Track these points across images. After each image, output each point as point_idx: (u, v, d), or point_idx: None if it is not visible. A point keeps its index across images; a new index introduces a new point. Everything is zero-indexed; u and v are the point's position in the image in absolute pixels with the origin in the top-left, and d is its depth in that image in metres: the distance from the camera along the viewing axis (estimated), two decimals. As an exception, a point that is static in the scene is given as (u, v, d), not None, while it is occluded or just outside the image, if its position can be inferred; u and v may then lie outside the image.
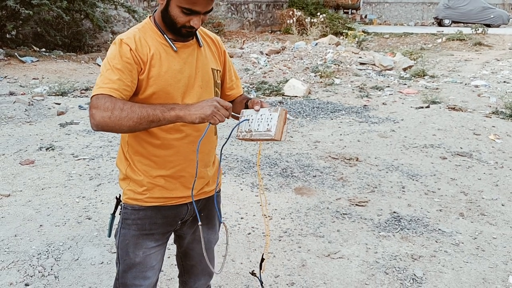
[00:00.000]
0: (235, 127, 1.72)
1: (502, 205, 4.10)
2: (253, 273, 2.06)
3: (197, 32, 1.77)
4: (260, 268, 1.96)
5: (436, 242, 3.50)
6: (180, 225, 1.90)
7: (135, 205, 1.78)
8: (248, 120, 1.70)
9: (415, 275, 3.08)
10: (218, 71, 1.87)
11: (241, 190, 4.36)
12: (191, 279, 2.10)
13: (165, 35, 1.70)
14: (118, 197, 1.87)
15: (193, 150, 1.74)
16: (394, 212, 3.96)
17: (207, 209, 1.96)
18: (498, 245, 3.46)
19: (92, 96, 1.58)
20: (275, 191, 4.35)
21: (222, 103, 1.58)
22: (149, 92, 1.67)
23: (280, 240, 3.51)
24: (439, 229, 3.67)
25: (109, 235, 1.94)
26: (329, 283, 3.01)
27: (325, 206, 4.06)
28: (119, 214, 1.84)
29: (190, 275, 2.10)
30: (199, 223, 1.77)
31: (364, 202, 4.15)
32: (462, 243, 3.49)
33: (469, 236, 3.59)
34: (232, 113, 1.66)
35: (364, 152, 5.42)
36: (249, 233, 3.60)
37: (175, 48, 1.70)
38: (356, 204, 4.11)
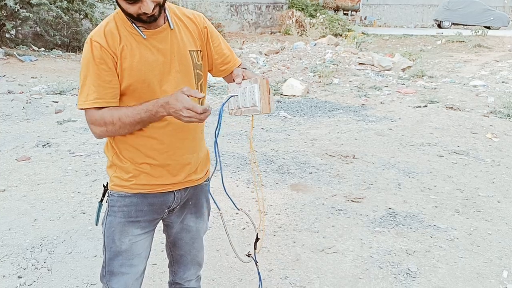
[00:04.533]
0: (222, 106, 1.63)
1: (498, 202, 4.10)
2: (248, 254, 2.05)
3: (168, 14, 1.70)
4: (255, 248, 1.94)
5: (431, 237, 3.49)
6: (167, 213, 1.88)
7: (121, 192, 1.77)
8: (235, 96, 1.65)
9: (409, 269, 3.07)
10: (198, 52, 1.80)
11: (237, 186, 4.36)
12: (181, 269, 2.08)
13: (133, 24, 1.65)
14: (105, 184, 1.86)
15: (178, 138, 1.74)
16: (390, 208, 3.96)
17: (195, 198, 1.94)
18: (493, 241, 3.45)
19: (81, 109, 1.66)
20: (271, 187, 4.35)
21: (186, 105, 1.54)
22: (125, 84, 1.66)
23: (275, 235, 3.51)
24: (434, 225, 3.66)
25: (97, 223, 1.92)
26: (323, 277, 3.01)
27: (320, 202, 4.05)
28: (106, 201, 1.82)
29: (180, 265, 2.08)
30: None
31: (359, 198, 4.15)
32: (457, 238, 3.48)
33: (464, 232, 3.58)
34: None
35: (361, 150, 5.41)
36: (244, 228, 3.59)
37: (144, 36, 1.65)
38: (352, 200, 4.10)
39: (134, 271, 1.84)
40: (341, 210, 3.91)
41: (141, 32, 1.65)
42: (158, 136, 1.72)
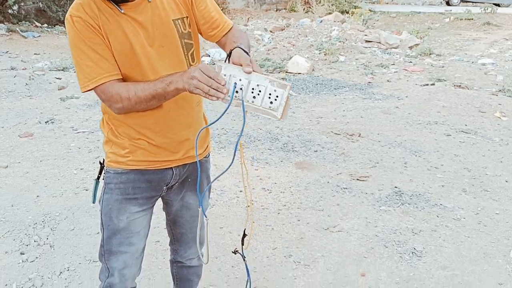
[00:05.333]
0: (231, 99, 1.42)
1: (506, 181, 4.04)
2: (235, 251, 1.94)
3: None
4: (242, 244, 1.85)
5: (438, 217, 3.44)
6: (165, 190, 1.81)
7: (118, 168, 1.70)
8: (238, 86, 1.43)
9: (415, 249, 3.04)
10: (184, 19, 1.66)
11: (240, 163, 4.30)
12: (182, 247, 2.03)
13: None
14: (101, 161, 1.79)
15: (172, 115, 1.66)
16: (396, 187, 3.90)
17: (195, 175, 1.83)
18: (501, 221, 3.40)
19: (87, 90, 1.58)
20: (275, 165, 4.30)
21: (205, 73, 1.40)
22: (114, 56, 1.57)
23: (279, 213, 3.47)
24: (441, 204, 3.61)
25: (94, 201, 1.85)
26: (327, 255, 2.97)
27: (325, 181, 4.00)
28: (103, 179, 1.76)
29: (181, 243, 2.03)
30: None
31: (365, 177, 4.10)
32: (464, 218, 3.43)
33: (471, 211, 3.53)
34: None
35: (367, 128, 5.34)
36: (248, 206, 3.55)
37: (122, 10, 1.54)
38: (357, 179, 4.05)
39: (133, 249, 1.78)
40: (346, 188, 3.86)
41: (118, 6, 1.54)
42: (151, 114, 1.63)
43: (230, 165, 1.61)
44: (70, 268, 2.79)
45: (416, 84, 7.40)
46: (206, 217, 1.73)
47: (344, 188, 3.86)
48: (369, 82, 7.65)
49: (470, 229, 3.28)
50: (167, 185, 1.79)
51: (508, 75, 7.92)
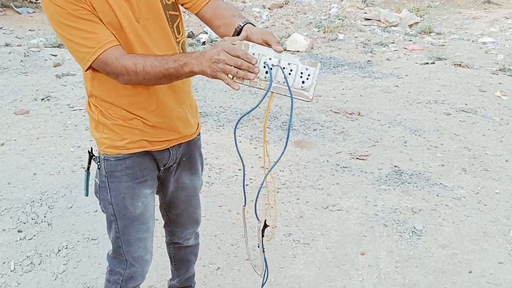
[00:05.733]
0: (270, 82, 1.29)
1: (506, 161, 4.02)
2: (258, 246, 1.74)
3: None
4: (262, 236, 1.70)
5: (437, 196, 3.43)
6: (163, 171, 1.75)
7: (118, 154, 1.60)
8: (280, 67, 1.31)
9: (414, 228, 3.03)
10: None
11: (240, 142, 4.27)
12: (178, 229, 1.99)
13: None
14: (90, 150, 1.72)
15: (165, 94, 1.57)
16: (395, 166, 3.88)
17: (189, 154, 1.81)
18: (501, 200, 3.39)
19: (92, 65, 1.43)
20: (274, 144, 4.26)
21: (231, 53, 1.25)
22: None
23: (278, 192, 3.45)
24: (441, 184, 3.60)
25: (87, 194, 1.77)
26: (327, 234, 2.96)
27: (324, 159, 3.97)
28: (98, 168, 1.65)
29: (177, 225, 1.98)
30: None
31: (365, 156, 4.07)
32: (464, 197, 3.42)
33: (471, 190, 3.52)
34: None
35: (366, 107, 5.29)
36: (247, 184, 3.53)
37: None
38: (357, 158, 4.02)
39: (150, 233, 1.75)
40: (345, 167, 3.84)
41: None
42: (143, 92, 1.54)
43: (283, 153, 1.49)
44: (69, 246, 2.77)
45: (416, 63, 7.33)
46: (258, 220, 1.65)
47: (343, 167, 3.84)
48: (369, 61, 7.57)
49: (470, 208, 3.27)
50: (164, 166, 1.73)
51: (509, 54, 7.84)
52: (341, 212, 3.21)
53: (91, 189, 1.76)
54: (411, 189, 3.51)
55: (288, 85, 1.31)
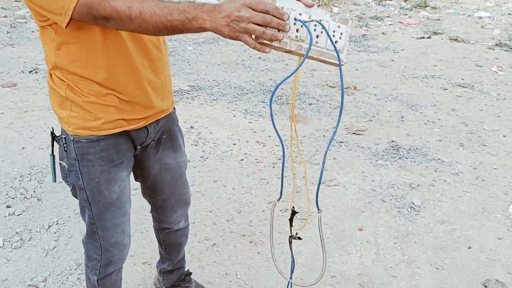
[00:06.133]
0: (310, 41, 1.06)
1: (504, 136, 3.97)
2: (293, 237, 1.54)
3: None
4: (291, 225, 1.52)
5: (435, 171, 3.38)
6: (139, 150, 1.58)
7: (91, 135, 1.42)
8: (319, 24, 1.09)
9: (413, 203, 2.98)
10: None
11: (234, 116, 4.18)
12: (166, 214, 1.84)
13: None
14: (53, 130, 1.53)
15: (142, 63, 1.40)
16: (393, 141, 3.82)
17: (168, 130, 1.65)
18: (499, 176, 3.35)
19: (72, 14, 1.18)
20: (269, 118, 4.17)
21: (257, 9, 1.02)
22: None
23: (274, 167, 3.38)
24: (439, 159, 3.55)
25: (55, 180, 1.61)
26: (324, 210, 2.91)
27: (320, 134, 3.90)
28: (64, 150, 1.46)
29: (164, 210, 1.83)
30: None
31: (361, 130, 4.00)
32: (462, 173, 3.37)
33: (469, 166, 3.47)
34: None
35: (362, 81, 5.20)
36: (242, 159, 3.45)
37: None
38: (353, 133, 3.96)
39: (127, 216, 1.62)
40: (342, 142, 3.77)
41: None
42: (118, 62, 1.35)
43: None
44: (59, 221, 2.69)
45: (411, 37, 7.23)
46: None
47: (340, 142, 3.77)
48: (364, 35, 7.45)
49: (468, 184, 3.23)
50: (141, 144, 1.57)
51: (505, 29, 7.75)
52: (338, 188, 3.15)
53: (61, 174, 1.57)
54: (409, 164, 3.46)
55: (333, 44, 1.09)
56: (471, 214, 2.90)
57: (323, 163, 1.27)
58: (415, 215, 2.87)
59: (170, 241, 1.98)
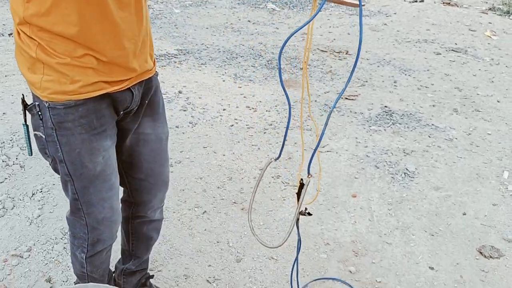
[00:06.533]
0: None
1: (498, 101, 3.91)
2: (304, 213, 1.33)
3: None
4: (298, 198, 1.29)
5: (429, 137, 3.32)
6: (122, 115, 1.40)
7: (69, 101, 1.25)
8: None
9: (407, 169, 2.93)
10: None
11: (223, 81, 4.06)
12: (143, 198, 1.62)
13: None
14: (24, 98, 1.38)
15: (123, 18, 1.25)
16: (386, 106, 3.75)
17: (151, 95, 1.47)
18: (493, 141, 3.30)
19: None
20: (260, 83, 4.06)
21: None
22: None
23: (265, 133, 3.29)
24: (432, 124, 3.49)
25: (31, 153, 1.45)
26: (317, 176, 2.84)
27: (312, 99, 3.81)
28: (40, 119, 1.30)
29: (141, 193, 1.61)
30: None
31: (354, 96, 3.91)
32: (456, 138, 3.32)
33: (463, 131, 3.42)
34: None
35: (354, 46, 5.08)
36: (232, 125, 3.36)
37: None
38: (346, 98, 3.87)
39: (115, 190, 1.44)
40: (334, 108, 3.68)
41: None
42: (96, 18, 1.20)
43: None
44: (43, 189, 2.59)
45: (404, 1, 7.08)
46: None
47: (332, 107, 3.68)
48: (356, -2, 7.27)
49: (462, 150, 3.18)
50: (125, 110, 1.39)
51: (498, -7, 7.63)
52: (331, 154, 3.08)
53: (38, 146, 1.40)
54: (402, 130, 3.40)
55: None
56: (466, 180, 2.86)
57: (323, 130, 1.16)
58: (409, 181, 2.82)
59: (141, 234, 1.74)
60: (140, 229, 1.72)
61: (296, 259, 1.28)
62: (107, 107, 1.33)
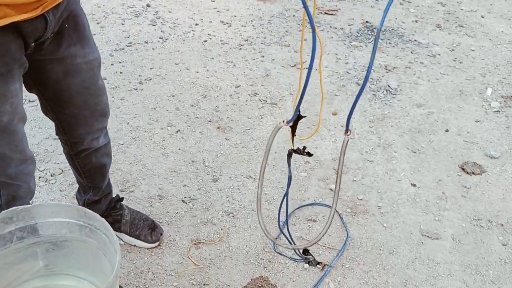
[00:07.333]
0: None
1: (482, 17, 3.77)
2: (303, 152, 1.04)
3: None
4: (293, 135, 1.01)
5: (412, 53, 3.19)
6: (32, 48, 1.12)
7: None
8: None
9: (389, 86, 2.81)
10: None
11: (195, -6, 3.77)
12: (79, 132, 1.41)
13: None
14: None
15: None
16: (367, 21, 3.56)
17: (72, 16, 1.20)
18: (476, 57, 3.20)
19: None
20: (235, -3, 3.79)
21: None
22: None
23: (240, 49, 3.10)
24: (415, 40, 3.34)
25: None
26: (295, 93, 2.71)
27: (290, 14, 3.58)
28: None
29: (76, 128, 1.40)
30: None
31: (334, 10, 3.70)
32: (439, 54, 3.20)
33: (446, 47, 3.29)
34: None
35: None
36: (205, 41, 3.14)
37: None
38: (325, 13, 3.65)
39: (25, 138, 1.19)
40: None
41: None
42: None
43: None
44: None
45: None
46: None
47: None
48: None
49: (445, 66, 3.07)
50: (36, 41, 1.10)
51: None
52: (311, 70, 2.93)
53: None
54: (384, 46, 3.25)
55: None
56: (449, 97, 2.77)
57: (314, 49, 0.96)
58: (391, 99, 2.72)
59: (91, 165, 1.56)
60: (88, 161, 1.53)
61: (286, 193, 1.14)
62: (13, 40, 1.04)
